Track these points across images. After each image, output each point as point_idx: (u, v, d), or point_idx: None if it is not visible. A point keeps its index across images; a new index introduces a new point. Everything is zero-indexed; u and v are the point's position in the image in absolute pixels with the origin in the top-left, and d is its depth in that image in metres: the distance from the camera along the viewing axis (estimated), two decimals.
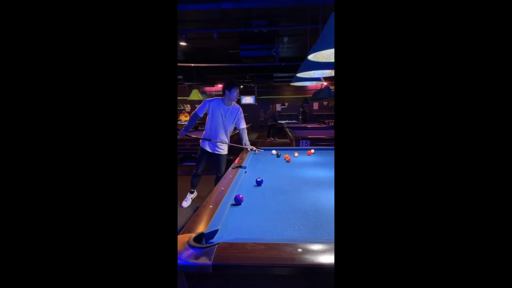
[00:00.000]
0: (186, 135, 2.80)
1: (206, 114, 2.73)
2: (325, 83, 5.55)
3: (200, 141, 2.77)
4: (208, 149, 2.70)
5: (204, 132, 2.76)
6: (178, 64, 6.33)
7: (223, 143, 2.69)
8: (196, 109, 2.71)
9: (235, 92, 2.59)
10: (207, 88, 11.20)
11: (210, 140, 2.65)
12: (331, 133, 4.58)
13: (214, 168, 2.78)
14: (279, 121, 9.55)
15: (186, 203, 2.80)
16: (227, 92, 2.60)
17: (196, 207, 2.62)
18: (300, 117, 10.47)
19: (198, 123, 5.93)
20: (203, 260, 0.70)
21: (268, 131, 9.50)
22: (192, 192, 2.84)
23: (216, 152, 2.70)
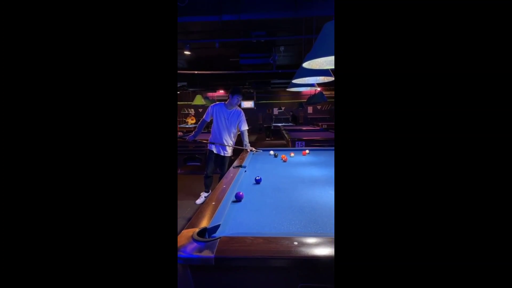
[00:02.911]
0: (194, 140, 2.88)
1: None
2: (319, 89, 5.55)
3: (208, 144, 2.84)
4: (215, 151, 2.78)
5: (210, 135, 2.83)
6: (183, 71, 6.37)
7: (230, 146, 2.74)
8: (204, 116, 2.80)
9: (236, 99, 2.66)
10: (210, 94, 11.16)
11: (220, 144, 2.73)
12: (324, 135, 4.58)
13: (218, 168, 2.82)
14: (276, 124, 9.70)
15: (199, 201, 2.85)
16: (230, 96, 2.69)
17: None
18: (289, 119, 10.43)
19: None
20: (206, 253, 0.70)
21: (266, 132, 9.64)
22: (207, 192, 2.88)
23: (222, 154, 2.78)
